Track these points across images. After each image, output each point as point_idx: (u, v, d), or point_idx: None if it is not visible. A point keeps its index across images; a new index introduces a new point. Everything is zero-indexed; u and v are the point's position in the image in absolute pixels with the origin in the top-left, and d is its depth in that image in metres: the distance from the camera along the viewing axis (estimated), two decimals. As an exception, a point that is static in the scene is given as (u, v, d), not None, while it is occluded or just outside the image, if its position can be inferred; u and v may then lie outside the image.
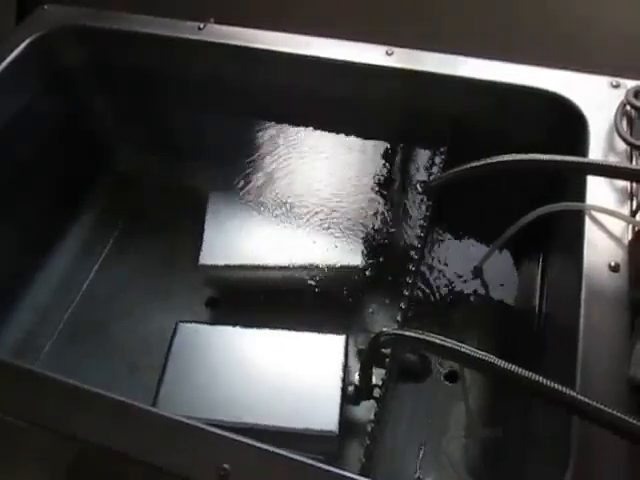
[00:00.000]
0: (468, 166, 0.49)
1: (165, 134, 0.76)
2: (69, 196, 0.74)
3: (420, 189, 0.55)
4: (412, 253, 0.51)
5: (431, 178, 0.56)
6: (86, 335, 0.66)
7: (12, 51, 0.64)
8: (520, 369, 0.36)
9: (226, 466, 0.36)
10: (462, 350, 0.38)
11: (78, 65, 0.70)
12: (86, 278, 0.70)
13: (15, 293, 0.68)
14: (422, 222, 0.52)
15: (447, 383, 0.58)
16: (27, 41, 0.65)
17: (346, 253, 0.61)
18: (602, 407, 0.33)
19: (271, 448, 0.36)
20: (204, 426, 0.37)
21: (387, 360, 0.46)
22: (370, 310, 0.63)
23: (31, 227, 0.68)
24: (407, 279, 0.49)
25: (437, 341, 0.39)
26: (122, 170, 0.79)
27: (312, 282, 0.61)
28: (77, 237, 0.74)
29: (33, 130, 0.67)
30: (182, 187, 0.75)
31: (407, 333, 0.42)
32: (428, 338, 0.39)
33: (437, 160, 0.57)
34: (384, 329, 0.45)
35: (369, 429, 0.43)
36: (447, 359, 0.53)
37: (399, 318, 0.47)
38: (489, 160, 0.47)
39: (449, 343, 0.39)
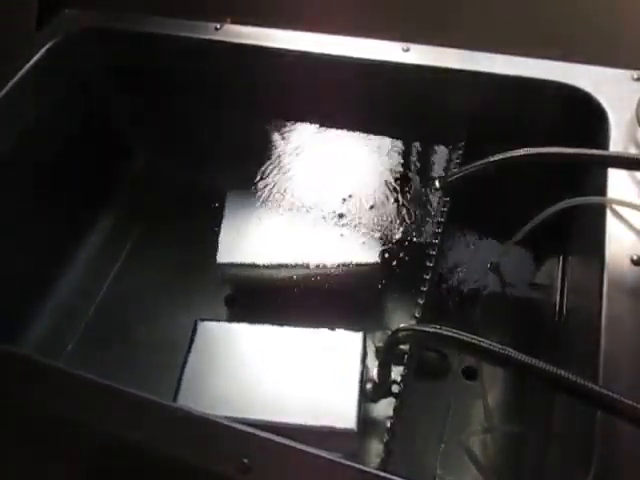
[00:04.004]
0: (486, 161, 0.49)
1: (183, 135, 0.77)
2: (88, 198, 0.75)
3: (437, 185, 0.55)
4: (429, 249, 0.51)
5: (448, 174, 0.55)
6: (107, 334, 0.66)
7: (33, 55, 0.64)
8: (542, 363, 0.36)
9: (245, 460, 0.36)
10: (483, 345, 0.37)
11: (98, 67, 0.71)
12: (106, 279, 0.71)
13: (37, 294, 0.69)
14: (439, 218, 0.52)
15: (466, 380, 0.58)
16: (48, 45, 0.66)
17: (363, 250, 0.61)
18: (626, 400, 0.33)
19: (291, 443, 0.36)
20: (224, 421, 0.37)
21: (406, 356, 0.46)
22: (387, 307, 0.63)
23: (51, 229, 0.69)
24: (424, 275, 0.49)
25: (456, 336, 0.39)
26: (140, 171, 0.79)
27: (329, 280, 0.61)
28: (96, 238, 0.75)
29: (53, 133, 0.68)
30: (200, 187, 0.75)
31: (426, 328, 0.41)
32: (447, 333, 0.39)
33: (454, 156, 0.57)
34: (402, 325, 0.45)
35: (388, 425, 0.43)
36: (467, 354, 0.52)
37: (417, 314, 0.47)
38: (508, 154, 0.47)
39: (469, 338, 0.38)
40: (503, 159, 0.47)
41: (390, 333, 0.46)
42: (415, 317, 0.47)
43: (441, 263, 0.60)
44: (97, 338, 0.66)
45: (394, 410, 0.43)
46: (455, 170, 0.54)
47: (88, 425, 0.40)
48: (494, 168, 0.49)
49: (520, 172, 0.49)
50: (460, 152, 0.56)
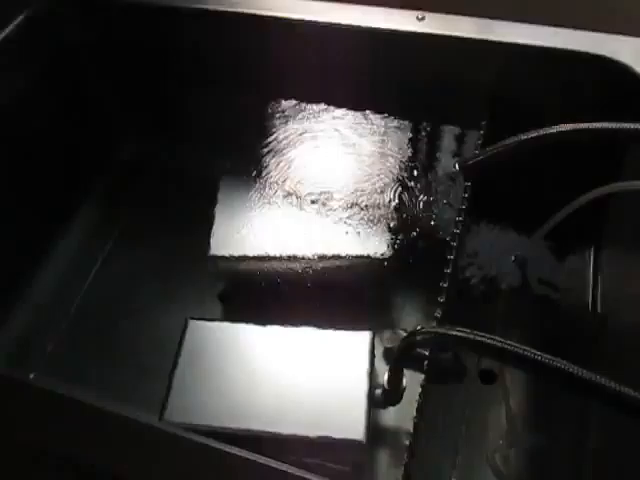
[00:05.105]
0: (516, 140, 0.44)
1: (174, 116, 0.73)
2: (71, 184, 0.70)
3: (457, 168, 0.50)
4: (449, 240, 0.46)
5: (469, 156, 0.50)
6: (91, 333, 0.63)
7: (8, 26, 0.59)
8: (593, 373, 0.31)
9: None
10: (519, 352, 0.32)
11: (83, 40, 0.66)
12: (89, 274, 0.67)
13: (14, 292, 0.65)
14: (460, 205, 0.47)
15: (483, 384, 0.54)
16: (23, 15, 0.60)
17: (371, 241, 0.57)
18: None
19: (293, 470, 0.31)
20: (215, 444, 0.32)
21: (425, 362, 0.41)
22: (398, 304, 0.59)
23: (29, 218, 0.65)
24: (444, 269, 0.44)
25: (487, 341, 0.34)
26: (127, 156, 0.76)
27: (334, 274, 0.57)
28: (79, 229, 0.71)
29: (32, 113, 0.63)
30: (191, 174, 0.71)
31: (451, 332, 0.36)
32: (477, 337, 0.34)
33: (475, 137, 0.52)
34: (419, 327, 0.40)
35: (407, 443, 0.37)
36: (498, 361, 0.47)
37: (438, 314, 0.42)
38: (541, 132, 0.42)
39: (502, 343, 0.34)
40: (536, 137, 0.42)
41: (406, 334, 0.42)
42: (436, 317, 0.42)
43: (461, 255, 0.55)
44: (80, 338, 0.63)
45: (414, 426, 0.38)
46: (477, 152, 0.49)
47: (64, 449, 0.36)
48: (525, 148, 0.43)
49: (550, 154, 0.44)
50: (481, 132, 0.51)
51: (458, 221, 0.46)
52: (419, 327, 0.40)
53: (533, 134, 0.43)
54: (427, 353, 0.41)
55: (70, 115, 0.68)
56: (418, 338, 0.40)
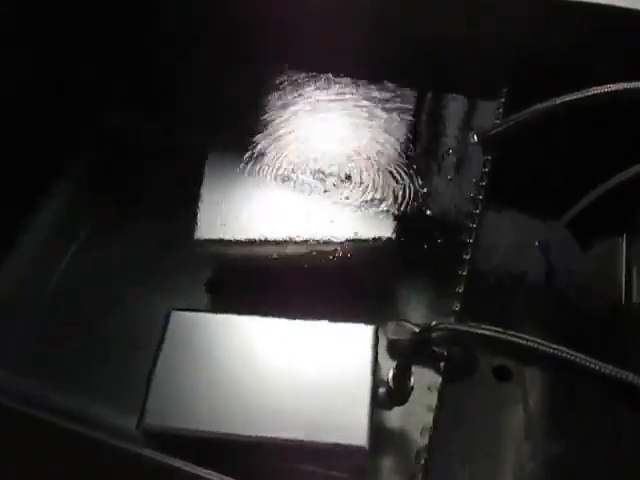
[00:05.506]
0: (545, 105, 0.38)
1: (156, 87, 0.69)
2: (41, 162, 0.66)
3: (475, 139, 0.46)
4: (467, 221, 0.41)
5: (489, 126, 0.45)
6: (64, 328, 0.59)
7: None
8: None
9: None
10: (563, 356, 0.27)
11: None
12: (62, 261, 0.63)
13: None
14: (479, 181, 0.42)
15: (498, 382, 0.50)
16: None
17: (376, 223, 0.53)
18: None
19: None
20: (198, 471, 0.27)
21: (442, 364, 0.36)
22: (405, 294, 0.56)
23: None
24: (464, 255, 0.39)
25: (521, 342, 0.29)
26: (106, 132, 0.72)
27: (333, 260, 0.54)
28: (51, 212, 0.67)
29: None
30: (175, 149, 0.67)
31: (475, 330, 0.31)
32: (510, 338, 0.29)
33: (495, 105, 0.48)
34: (434, 323, 0.36)
35: (422, 461, 0.33)
36: (532, 364, 0.43)
37: (457, 307, 0.37)
38: (577, 95, 0.36)
39: (539, 345, 0.29)
40: (568, 102, 0.37)
41: (419, 329, 0.37)
42: (454, 311, 0.38)
43: (479, 240, 0.51)
44: (51, 333, 0.59)
45: (430, 440, 0.33)
46: (498, 121, 0.44)
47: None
48: (555, 115, 0.38)
49: (586, 124, 0.40)
50: (502, 100, 0.46)
51: (477, 200, 0.42)
52: (434, 323, 0.35)
53: (566, 98, 0.37)
54: (445, 353, 0.36)
55: (39, 85, 0.64)
56: (434, 335, 0.35)
